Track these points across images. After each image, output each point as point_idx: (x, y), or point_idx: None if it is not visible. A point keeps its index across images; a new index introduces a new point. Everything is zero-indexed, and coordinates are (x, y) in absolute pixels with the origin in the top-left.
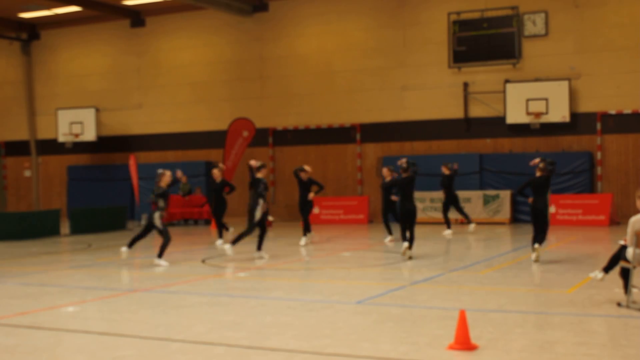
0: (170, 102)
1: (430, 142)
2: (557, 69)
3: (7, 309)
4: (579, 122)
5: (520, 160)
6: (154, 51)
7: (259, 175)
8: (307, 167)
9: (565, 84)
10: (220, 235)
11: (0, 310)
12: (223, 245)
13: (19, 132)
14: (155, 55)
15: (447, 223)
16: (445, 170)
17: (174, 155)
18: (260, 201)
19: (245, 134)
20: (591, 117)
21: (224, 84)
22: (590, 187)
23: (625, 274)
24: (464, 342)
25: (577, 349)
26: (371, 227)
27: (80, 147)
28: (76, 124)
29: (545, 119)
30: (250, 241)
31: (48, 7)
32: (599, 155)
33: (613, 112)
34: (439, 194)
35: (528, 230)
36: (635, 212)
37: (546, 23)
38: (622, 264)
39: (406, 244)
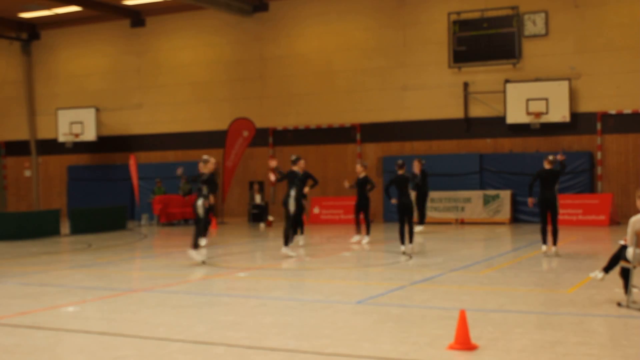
0: (170, 102)
1: (430, 142)
2: (557, 69)
3: (7, 309)
4: (579, 122)
5: (520, 160)
6: (154, 51)
7: (295, 168)
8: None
9: (565, 84)
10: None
11: (0, 310)
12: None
13: (19, 132)
14: (155, 55)
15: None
16: (417, 167)
17: (174, 155)
18: (293, 193)
19: (246, 133)
20: (591, 117)
21: (224, 84)
22: (590, 187)
23: (625, 274)
24: (464, 342)
25: (577, 349)
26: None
27: (80, 147)
28: (76, 124)
29: (545, 118)
30: (250, 242)
31: (48, 7)
32: (599, 155)
33: (613, 112)
34: (439, 194)
35: (528, 230)
36: (635, 212)
37: (546, 23)
38: (622, 264)
39: (403, 247)
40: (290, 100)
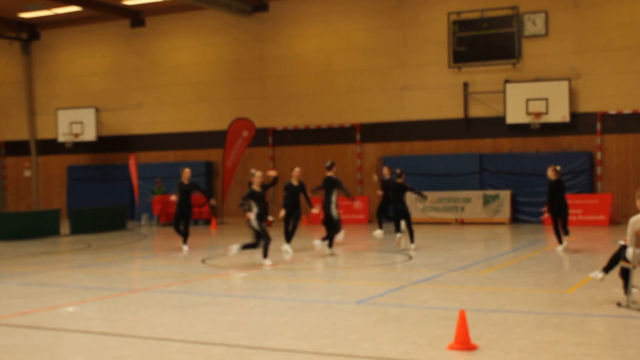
0: (170, 102)
1: (430, 142)
2: (557, 69)
3: (7, 309)
4: (579, 122)
5: (520, 160)
6: (154, 51)
7: (329, 173)
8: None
9: (565, 84)
10: (326, 242)
11: (0, 310)
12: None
13: (19, 132)
14: (155, 55)
15: (380, 223)
16: (387, 173)
17: (174, 155)
18: (334, 199)
19: (245, 133)
20: (591, 117)
21: (224, 84)
22: (590, 187)
23: (625, 274)
24: (464, 342)
25: (577, 349)
26: (371, 227)
27: (80, 147)
28: (76, 124)
29: (545, 119)
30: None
31: (48, 7)
32: (599, 155)
33: (613, 112)
34: (439, 194)
35: (528, 231)
36: (635, 212)
37: (546, 23)
38: (622, 264)
39: (399, 235)
40: (290, 100)
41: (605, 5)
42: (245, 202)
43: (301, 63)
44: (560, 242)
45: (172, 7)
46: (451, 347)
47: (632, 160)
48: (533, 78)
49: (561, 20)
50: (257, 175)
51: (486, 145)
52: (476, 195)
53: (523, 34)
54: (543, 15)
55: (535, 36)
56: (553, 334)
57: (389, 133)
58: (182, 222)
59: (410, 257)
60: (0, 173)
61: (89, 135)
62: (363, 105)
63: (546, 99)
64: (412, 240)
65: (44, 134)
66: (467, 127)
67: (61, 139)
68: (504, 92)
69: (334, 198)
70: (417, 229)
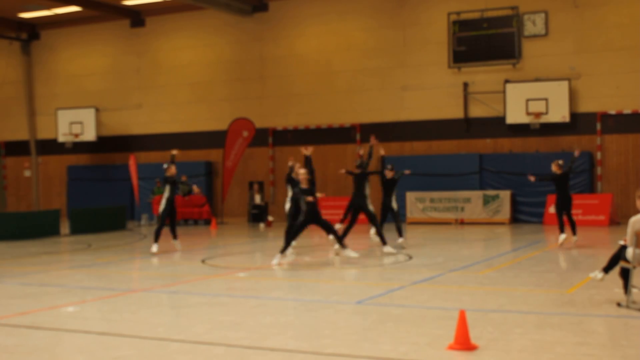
0: (170, 102)
1: (430, 142)
2: (557, 69)
3: (7, 309)
4: (578, 122)
5: (520, 160)
6: (154, 51)
7: (359, 171)
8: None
9: (565, 84)
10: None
11: (0, 310)
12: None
13: (19, 132)
14: (155, 55)
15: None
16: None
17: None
18: (367, 193)
19: (245, 134)
20: (591, 117)
21: (224, 84)
22: (590, 187)
23: (625, 274)
24: (463, 342)
25: (577, 349)
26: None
27: (80, 147)
28: (76, 124)
29: (545, 119)
30: (250, 242)
31: (48, 7)
32: (598, 155)
33: (613, 112)
34: (439, 194)
35: (528, 231)
36: (635, 212)
37: (546, 23)
38: (622, 264)
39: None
40: (290, 100)
41: (605, 5)
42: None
43: (301, 63)
44: (562, 231)
45: (172, 7)
46: (451, 347)
47: (632, 160)
48: (533, 78)
49: (561, 20)
50: (302, 172)
51: (486, 145)
52: (476, 195)
53: (523, 34)
54: (543, 15)
55: (535, 36)
56: (553, 334)
57: (389, 133)
58: (170, 218)
59: (410, 257)
60: (0, 173)
61: (89, 135)
62: (363, 105)
63: (546, 99)
64: (400, 234)
65: (44, 134)
66: (467, 127)
67: (61, 139)
68: (503, 92)
69: (368, 192)
70: (417, 229)
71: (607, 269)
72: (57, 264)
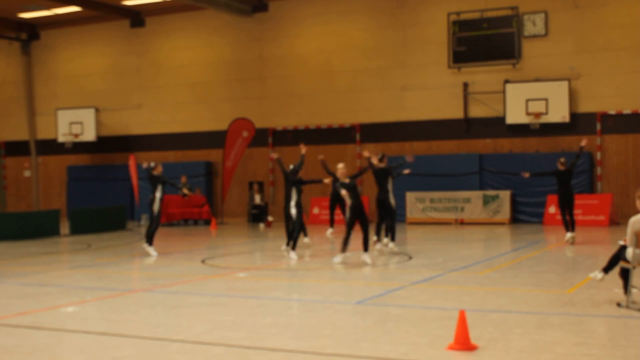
0: (170, 102)
1: (430, 142)
2: (557, 69)
3: (7, 309)
4: (578, 123)
5: (520, 160)
6: (153, 51)
7: (382, 165)
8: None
9: (565, 84)
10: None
11: (0, 310)
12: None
13: (18, 132)
14: (155, 56)
15: (331, 222)
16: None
17: (174, 155)
18: (390, 188)
19: (245, 134)
20: (591, 117)
21: (224, 84)
22: (590, 187)
23: (625, 274)
24: (463, 343)
25: (577, 349)
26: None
27: (80, 147)
28: (76, 124)
29: (545, 119)
30: (250, 242)
31: (48, 7)
32: (598, 155)
33: (613, 112)
34: (439, 194)
35: (528, 231)
36: (635, 212)
37: (546, 23)
38: (621, 264)
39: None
40: (289, 100)
41: (605, 6)
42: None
43: (301, 63)
44: (567, 229)
45: (172, 7)
46: (451, 348)
47: (632, 160)
48: (533, 78)
49: (561, 20)
50: (341, 167)
51: (486, 145)
52: (476, 195)
53: (523, 34)
54: (543, 15)
55: (535, 36)
56: (553, 334)
57: (388, 133)
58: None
59: (410, 258)
60: (0, 173)
61: (89, 135)
62: (363, 105)
63: (546, 99)
64: (392, 238)
65: (43, 134)
66: (467, 127)
67: (61, 139)
68: (503, 92)
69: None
70: (417, 229)
71: (607, 269)
72: (57, 264)
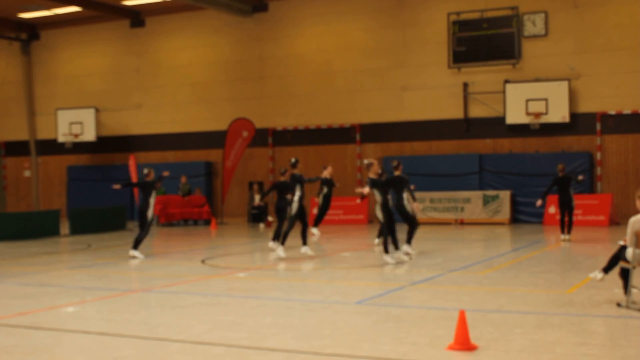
0: (170, 102)
1: (430, 142)
2: (557, 69)
3: (7, 309)
4: (578, 123)
5: (519, 160)
6: (153, 51)
7: (370, 174)
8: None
9: (565, 84)
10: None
11: (0, 310)
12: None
13: (18, 132)
14: (155, 56)
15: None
16: (327, 174)
17: (174, 155)
18: (405, 196)
19: (245, 134)
20: (591, 117)
21: (224, 84)
22: (590, 188)
23: (625, 274)
24: (463, 343)
25: (577, 349)
26: (371, 227)
27: (80, 148)
28: (76, 124)
29: (545, 119)
30: (250, 242)
31: (48, 8)
32: (598, 155)
33: (613, 112)
34: (439, 194)
35: (527, 231)
36: (635, 212)
37: (546, 23)
38: (621, 264)
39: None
40: (289, 100)
41: (605, 6)
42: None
43: (301, 63)
44: (562, 232)
45: (172, 7)
46: (451, 348)
47: (632, 160)
48: (533, 78)
49: (561, 20)
50: (375, 163)
51: (486, 145)
52: (476, 195)
53: (523, 34)
54: (543, 15)
55: (535, 36)
56: (553, 334)
57: (388, 133)
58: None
59: (410, 258)
60: (0, 173)
61: (89, 135)
62: (363, 105)
63: (546, 99)
64: (408, 241)
65: (43, 134)
66: (467, 127)
67: (61, 139)
68: (503, 92)
69: (406, 196)
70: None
71: (606, 269)
72: (57, 264)
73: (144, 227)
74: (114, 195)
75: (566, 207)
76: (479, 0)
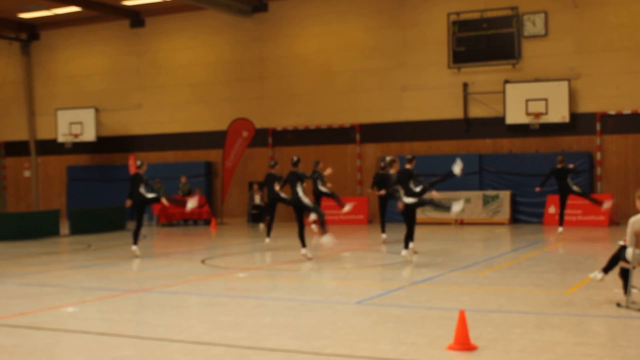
0: (169, 102)
1: (430, 143)
2: (557, 69)
3: (6, 309)
4: (578, 123)
5: (519, 160)
6: (153, 51)
7: (391, 171)
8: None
9: (564, 84)
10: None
11: (0, 310)
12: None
13: (18, 133)
14: (155, 56)
15: (382, 225)
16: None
17: (174, 155)
18: (400, 194)
19: (245, 134)
20: (591, 117)
21: (224, 84)
22: (590, 188)
23: (625, 275)
24: (463, 343)
25: (577, 350)
26: (371, 227)
27: (79, 148)
28: (76, 124)
29: (544, 119)
30: (250, 242)
31: (48, 8)
32: (598, 155)
33: (613, 112)
34: (439, 195)
35: (527, 231)
36: (635, 212)
37: (546, 23)
38: (621, 264)
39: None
40: (289, 100)
41: (605, 6)
42: (396, 189)
43: (301, 63)
44: (561, 224)
45: (172, 8)
46: (451, 348)
47: (632, 160)
48: (533, 78)
49: (561, 20)
50: (397, 161)
51: (486, 145)
52: (476, 195)
53: (523, 34)
54: (543, 15)
55: (534, 36)
56: (553, 334)
57: (388, 133)
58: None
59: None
60: (0, 173)
61: (89, 135)
62: (363, 105)
63: (546, 100)
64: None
65: (43, 134)
66: (467, 127)
67: (61, 139)
68: (503, 92)
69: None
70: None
71: (606, 269)
72: (57, 264)
73: (139, 220)
74: (113, 195)
75: (565, 195)
76: (479, 0)
